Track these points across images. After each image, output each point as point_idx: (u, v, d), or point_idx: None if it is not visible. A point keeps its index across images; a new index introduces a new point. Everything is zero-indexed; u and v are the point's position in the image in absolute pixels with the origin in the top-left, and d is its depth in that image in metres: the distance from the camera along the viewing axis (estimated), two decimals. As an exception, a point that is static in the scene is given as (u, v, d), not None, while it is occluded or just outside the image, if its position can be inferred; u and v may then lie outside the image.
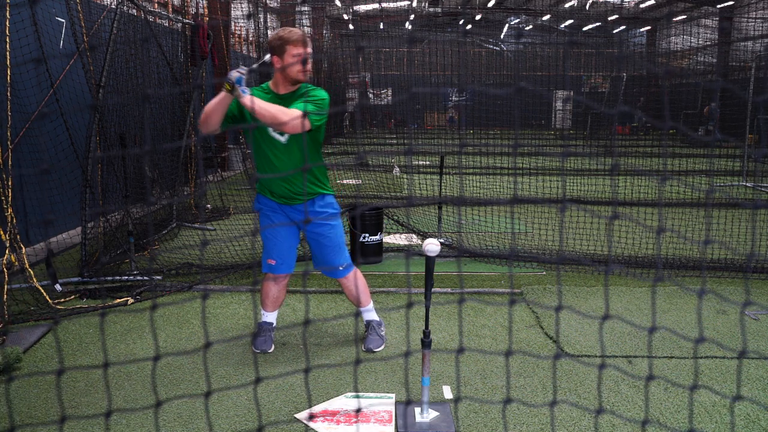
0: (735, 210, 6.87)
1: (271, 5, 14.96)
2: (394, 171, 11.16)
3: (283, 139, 3.22)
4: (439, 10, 18.11)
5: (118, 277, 4.80)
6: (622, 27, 22.25)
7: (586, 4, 21.20)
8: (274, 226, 3.42)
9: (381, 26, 18.62)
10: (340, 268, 3.44)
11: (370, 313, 3.64)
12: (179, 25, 7.72)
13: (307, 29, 12.64)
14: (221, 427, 2.73)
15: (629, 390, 3.07)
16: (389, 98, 19.10)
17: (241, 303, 4.38)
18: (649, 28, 22.32)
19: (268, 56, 3.23)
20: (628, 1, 20.87)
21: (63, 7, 5.50)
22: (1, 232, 4.22)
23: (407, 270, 5.27)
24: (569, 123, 20.00)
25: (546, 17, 20.62)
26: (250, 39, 15.36)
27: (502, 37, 19.26)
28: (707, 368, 3.32)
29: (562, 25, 22.81)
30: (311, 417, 2.83)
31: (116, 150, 5.19)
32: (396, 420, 2.80)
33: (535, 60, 18.12)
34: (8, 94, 4.66)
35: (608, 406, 2.92)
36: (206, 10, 10.90)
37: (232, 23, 12.17)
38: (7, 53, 4.48)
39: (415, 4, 20.52)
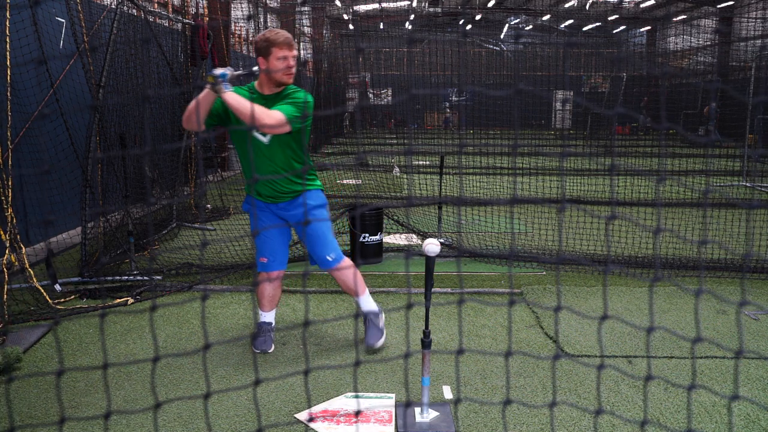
0: (734, 210, 6.87)
1: (271, 5, 14.96)
2: (394, 171, 11.16)
3: (265, 140, 3.25)
4: (439, 10, 18.11)
5: (118, 277, 4.80)
6: (622, 27, 22.25)
7: (586, 4, 21.20)
8: (269, 228, 3.46)
9: (381, 26, 18.62)
10: (328, 259, 3.40)
11: (367, 303, 3.56)
12: (179, 25, 7.72)
13: (307, 29, 12.65)
14: (221, 427, 2.73)
15: (629, 390, 3.07)
16: (389, 98, 19.11)
17: (241, 303, 4.39)
18: (649, 28, 22.32)
19: (256, 68, 3.28)
20: (628, 1, 20.87)
21: (63, 7, 5.50)
22: (1, 232, 4.22)
23: (407, 270, 5.27)
24: (569, 123, 20.01)
25: (546, 17, 20.62)
26: (250, 39, 15.37)
27: (502, 37, 19.26)
28: (707, 368, 3.32)
29: (562, 25, 22.82)
30: (311, 417, 2.83)
31: (116, 150, 5.19)
32: (396, 420, 2.81)
33: (535, 60, 18.13)
34: (8, 94, 4.66)
35: (608, 406, 2.92)
36: (206, 10, 10.91)
37: (232, 23, 12.17)
38: (7, 53, 4.49)
39: (415, 4, 20.52)
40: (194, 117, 3.12)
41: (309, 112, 3.23)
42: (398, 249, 5.81)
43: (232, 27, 12.46)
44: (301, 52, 13.59)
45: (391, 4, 20.55)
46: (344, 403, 2.97)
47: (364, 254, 5.30)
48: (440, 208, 6.08)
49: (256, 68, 3.27)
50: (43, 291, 4.18)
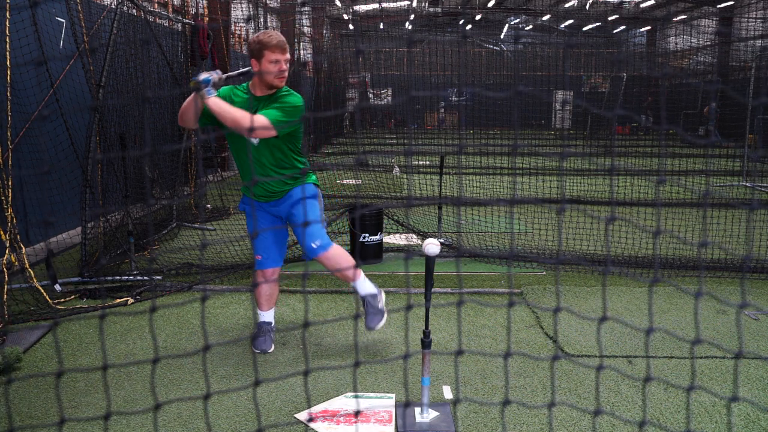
0: (734, 210, 6.87)
1: (271, 5, 14.96)
2: (394, 171, 11.17)
3: (254, 140, 3.27)
4: (439, 10, 18.11)
5: (118, 277, 4.80)
6: (622, 27, 22.25)
7: (586, 4, 21.20)
8: (266, 230, 3.48)
9: (381, 26, 18.62)
10: (313, 246, 3.34)
11: (363, 286, 3.46)
12: (179, 25, 7.72)
13: (307, 29, 12.66)
14: (221, 427, 2.73)
15: (629, 390, 3.07)
16: (389, 98, 19.11)
17: (241, 303, 4.39)
18: (649, 28, 22.32)
19: (248, 68, 3.32)
20: (628, 1, 20.87)
21: (63, 8, 5.50)
22: (1, 232, 4.22)
23: (407, 270, 5.27)
24: (569, 123, 20.02)
25: (546, 17, 20.62)
26: (250, 39, 15.35)
27: (502, 37, 19.26)
28: (707, 368, 3.32)
29: (562, 25, 22.81)
30: (311, 417, 2.83)
31: (116, 150, 5.19)
32: (396, 420, 2.81)
33: (535, 60, 18.14)
34: (8, 95, 4.66)
35: (608, 406, 2.92)
36: (206, 10, 10.90)
37: (232, 23, 12.17)
38: (7, 53, 4.49)
39: (415, 4, 20.52)
40: (185, 116, 3.18)
41: (299, 116, 3.24)
42: (398, 249, 5.82)
43: (232, 27, 12.46)
44: (301, 52, 13.58)
45: (391, 4, 20.55)
46: (344, 403, 2.97)
47: (364, 254, 5.30)
48: (440, 208, 6.08)
49: (247, 69, 3.30)
50: (43, 291, 4.18)
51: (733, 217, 6.42)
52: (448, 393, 3.06)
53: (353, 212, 5.66)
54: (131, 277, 4.80)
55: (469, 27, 18.79)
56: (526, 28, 20.41)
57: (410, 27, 19.85)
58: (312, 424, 2.77)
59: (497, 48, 19.06)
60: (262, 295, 3.58)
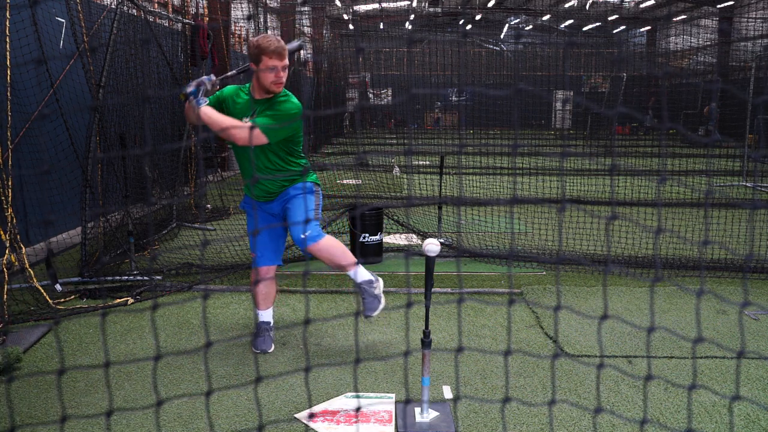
0: (734, 210, 6.87)
1: (271, 5, 14.96)
2: (394, 171, 11.17)
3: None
4: (439, 10, 18.11)
5: (118, 277, 4.80)
6: (622, 27, 22.26)
7: (586, 4, 21.20)
8: (264, 228, 3.51)
9: (381, 26, 18.62)
10: (303, 237, 3.30)
11: (358, 274, 3.43)
12: (179, 25, 7.72)
13: (307, 29, 12.66)
14: (221, 427, 2.73)
15: (629, 390, 3.07)
16: (389, 98, 19.11)
17: (241, 303, 4.39)
18: (649, 28, 22.32)
19: (236, 71, 3.34)
20: (628, 1, 20.87)
21: (63, 7, 5.50)
22: (1, 232, 4.22)
23: (407, 270, 5.27)
24: (569, 123, 20.02)
25: (546, 17, 20.62)
26: (250, 39, 15.36)
27: (502, 37, 19.26)
28: (707, 368, 3.32)
29: (562, 25, 22.81)
30: (311, 417, 2.83)
31: (116, 150, 5.19)
32: (396, 420, 2.81)
33: (535, 60, 18.14)
34: (8, 95, 4.66)
35: (608, 406, 2.92)
36: (206, 10, 10.90)
37: (232, 23, 12.17)
38: (7, 53, 4.49)
39: (415, 4, 20.51)
40: (189, 119, 3.24)
41: (294, 122, 3.23)
42: (398, 249, 5.82)
43: (232, 27, 12.46)
44: (302, 52, 13.57)
45: (391, 4, 20.55)
46: (344, 403, 2.97)
47: (364, 254, 5.30)
48: (440, 208, 6.08)
49: (246, 66, 3.31)
50: (43, 291, 4.18)
51: (733, 217, 6.42)
52: (448, 393, 3.06)
53: (353, 212, 5.66)
54: (131, 277, 4.79)
55: (469, 27, 18.79)
56: (526, 28, 20.41)
57: (410, 27, 19.84)
58: (312, 424, 2.77)
59: (497, 48, 19.05)
60: (258, 294, 3.59)
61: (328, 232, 5.99)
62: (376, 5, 18.95)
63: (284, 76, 3.21)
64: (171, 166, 6.93)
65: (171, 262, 5.21)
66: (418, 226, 6.35)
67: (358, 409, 2.90)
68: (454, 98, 19.31)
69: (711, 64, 15.31)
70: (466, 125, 16.11)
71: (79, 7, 5.28)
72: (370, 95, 18.12)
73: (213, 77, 3.16)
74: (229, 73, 3.36)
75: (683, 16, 18.02)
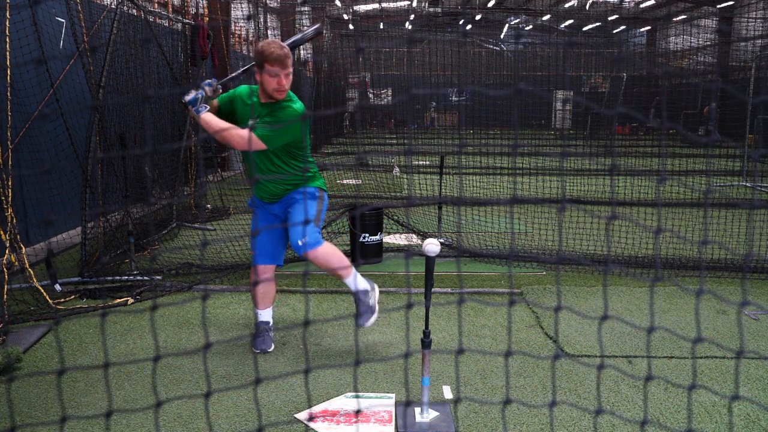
0: (734, 210, 6.87)
1: (271, 5, 14.96)
2: (394, 171, 11.17)
3: None
4: (439, 10, 18.11)
5: (118, 277, 4.80)
6: (622, 27, 22.26)
7: (586, 4, 21.20)
8: (265, 228, 3.53)
9: (381, 26, 18.62)
10: (300, 243, 3.31)
11: (354, 282, 3.42)
12: (179, 25, 7.72)
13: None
14: (221, 427, 2.73)
15: (629, 390, 3.07)
16: (389, 98, 19.11)
17: (241, 303, 4.39)
18: (649, 28, 22.33)
19: (239, 72, 3.36)
20: (628, 1, 20.87)
21: (63, 7, 5.50)
22: (1, 232, 4.22)
23: (407, 270, 5.27)
24: (569, 123, 20.01)
25: (546, 17, 20.62)
26: (250, 39, 15.37)
27: (502, 37, 19.26)
28: (707, 368, 3.32)
29: (562, 25, 22.82)
30: (311, 417, 2.83)
31: (116, 150, 5.19)
32: (396, 420, 2.81)
33: (535, 60, 18.14)
34: (8, 94, 4.66)
35: (608, 406, 2.92)
36: (206, 10, 10.90)
37: (232, 23, 12.17)
38: (7, 53, 4.49)
39: (415, 4, 20.51)
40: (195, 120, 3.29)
41: (294, 128, 3.23)
42: (398, 249, 5.81)
43: (232, 27, 12.46)
44: (302, 52, 13.58)
45: (391, 4, 20.55)
46: (344, 403, 2.97)
47: (364, 254, 5.30)
48: (440, 208, 6.08)
49: (238, 72, 3.35)
50: (43, 291, 4.18)
51: (733, 217, 6.42)
52: (448, 393, 3.06)
53: (353, 212, 5.66)
54: (131, 277, 4.79)
55: (469, 27, 18.79)
56: (526, 28, 20.41)
57: (410, 27, 19.84)
58: (312, 424, 2.77)
59: (497, 48, 19.05)
60: (257, 293, 3.59)
61: (328, 232, 6.02)
62: (376, 5, 18.95)
63: (287, 83, 3.21)
64: (171, 166, 6.93)
65: (171, 262, 5.21)
66: (418, 226, 6.35)
67: (358, 412, 2.90)
68: (454, 98, 19.31)
69: (711, 64, 15.31)
70: (466, 125, 16.11)
71: (79, 7, 5.28)
72: (370, 95, 18.12)
73: (213, 82, 3.18)
74: (232, 75, 3.38)
75: (683, 16, 18.02)
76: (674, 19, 18.32)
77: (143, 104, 6.05)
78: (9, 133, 4.55)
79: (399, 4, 20.59)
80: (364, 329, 3.85)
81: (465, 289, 4.72)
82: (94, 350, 3.57)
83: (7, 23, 4.46)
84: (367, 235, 5.30)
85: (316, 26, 3.52)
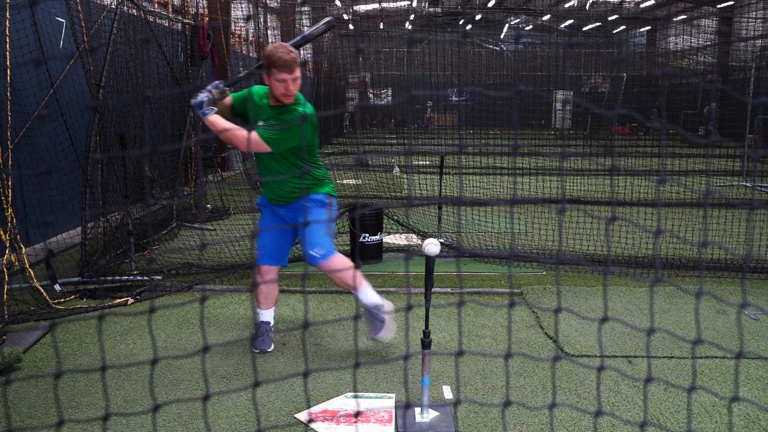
0: (734, 210, 6.87)
1: (271, 5, 14.96)
2: (394, 171, 11.16)
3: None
4: (439, 10, 18.10)
5: (118, 277, 4.80)
6: (622, 27, 22.25)
7: (586, 4, 21.20)
8: (267, 229, 3.54)
9: (381, 26, 18.61)
10: (313, 254, 3.32)
11: (366, 296, 3.43)
12: (179, 25, 7.72)
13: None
14: (221, 428, 2.73)
15: (629, 390, 3.07)
16: (389, 98, 19.10)
17: (241, 303, 4.38)
18: (649, 28, 22.32)
19: (238, 79, 3.39)
20: (628, 1, 20.87)
21: (63, 7, 5.50)
22: (1, 232, 4.22)
23: (407, 270, 5.27)
24: (569, 123, 20.01)
25: (546, 17, 20.62)
26: (250, 39, 15.37)
27: (502, 37, 19.26)
28: (707, 368, 3.32)
29: (562, 25, 22.81)
30: (311, 417, 2.83)
31: (116, 150, 5.19)
32: (396, 420, 2.81)
33: (535, 60, 18.14)
34: (8, 95, 4.66)
35: (608, 406, 2.92)
36: (206, 10, 10.90)
37: (232, 23, 12.16)
38: (7, 53, 4.49)
39: (415, 4, 20.51)
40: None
41: (299, 131, 3.23)
42: (398, 249, 5.81)
43: (232, 27, 12.46)
44: (302, 51, 13.56)
45: (391, 4, 20.54)
46: (344, 403, 2.97)
47: (364, 254, 5.30)
48: (440, 208, 6.07)
49: (246, 73, 3.36)
50: (43, 291, 4.18)
51: (733, 217, 6.42)
52: (448, 393, 3.06)
53: (353, 212, 5.66)
54: (131, 277, 4.79)
55: (469, 27, 18.79)
56: (526, 28, 20.40)
57: (410, 27, 19.84)
58: (312, 425, 2.77)
59: (497, 48, 19.05)
60: (260, 293, 3.60)
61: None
62: (376, 5, 18.94)
63: (295, 88, 3.19)
64: (171, 166, 6.93)
65: (171, 262, 5.21)
66: (418, 226, 6.35)
67: (358, 414, 2.90)
68: (454, 98, 19.31)
69: (711, 64, 15.30)
70: (466, 125, 16.10)
71: (79, 7, 5.28)
72: (370, 95, 18.12)
73: (221, 84, 3.18)
74: (240, 75, 3.38)
75: (683, 16, 18.01)
76: (674, 19, 18.31)
77: (143, 104, 6.05)
78: (9, 133, 4.55)
79: (399, 4, 20.58)
80: (364, 329, 3.85)
81: (465, 289, 4.72)
82: (94, 350, 3.57)
83: (7, 23, 4.46)
84: (367, 235, 5.30)
85: (328, 19, 3.47)
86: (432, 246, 2.70)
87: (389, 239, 6.11)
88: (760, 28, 13.88)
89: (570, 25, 23.13)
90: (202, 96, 3.13)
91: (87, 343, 3.67)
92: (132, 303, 4.28)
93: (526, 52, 18.13)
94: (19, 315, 3.96)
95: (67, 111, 5.52)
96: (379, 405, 2.93)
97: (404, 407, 2.86)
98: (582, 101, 19.61)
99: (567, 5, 21.46)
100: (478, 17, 20.20)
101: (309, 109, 3.36)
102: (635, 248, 5.59)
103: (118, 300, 4.29)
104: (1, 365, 3.17)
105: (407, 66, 17.61)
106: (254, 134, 3.15)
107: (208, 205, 7.78)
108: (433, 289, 2.95)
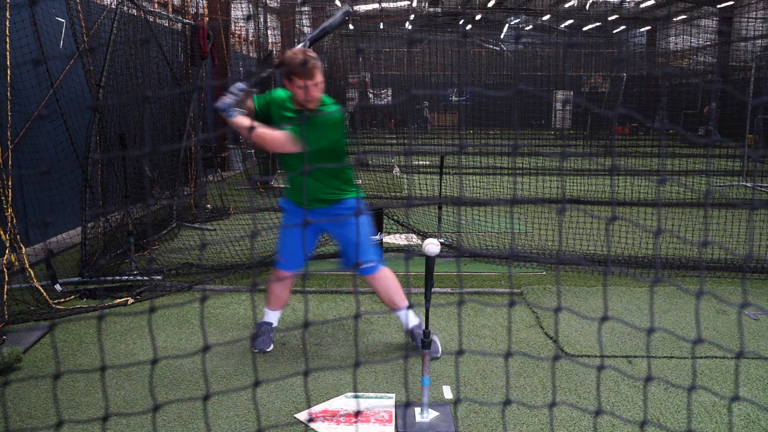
0: (734, 210, 6.87)
1: (271, 5, 14.95)
2: (394, 171, 11.16)
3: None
4: (439, 10, 18.11)
5: (118, 277, 4.80)
6: (622, 27, 22.25)
7: (586, 4, 21.20)
8: (287, 226, 3.51)
9: (381, 26, 18.61)
10: (366, 265, 3.33)
11: (406, 317, 3.47)
12: (179, 25, 7.72)
13: (307, 29, 12.66)
14: (221, 428, 2.73)
15: (629, 390, 3.07)
16: (389, 98, 19.10)
17: (241, 303, 4.38)
18: (649, 28, 22.32)
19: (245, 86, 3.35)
20: (628, 1, 20.87)
21: (63, 7, 5.50)
22: (1, 232, 4.22)
23: (407, 270, 5.27)
24: (569, 123, 20.01)
25: (546, 17, 20.62)
26: (250, 39, 15.37)
27: (502, 37, 19.26)
28: (707, 368, 3.32)
29: (562, 25, 22.81)
30: (311, 417, 2.83)
31: (116, 150, 5.19)
32: (396, 420, 2.81)
33: (535, 60, 18.14)
34: (8, 94, 4.66)
35: (608, 406, 2.92)
36: (206, 10, 10.90)
37: (232, 23, 12.17)
38: (7, 53, 4.49)
39: (415, 4, 20.51)
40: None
41: (322, 134, 3.16)
42: (398, 249, 5.81)
43: (232, 27, 12.46)
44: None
45: (391, 4, 20.54)
46: (344, 403, 2.97)
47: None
48: (440, 208, 6.07)
49: (265, 73, 3.29)
50: (43, 291, 4.18)
51: (733, 217, 6.42)
52: (448, 393, 3.06)
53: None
54: (131, 277, 4.79)
55: (469, 27, 18.79)
56: (526, 28, 20.40)
57: (410, 27, 19.84)
58: (312, 424, 2.77)
59: (497, 48, 19.06)
60: (272, 293, 3.59)
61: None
62: (376, 5, 18.94)
63: (317, 93, 3.11)
64: (171, 166, 6.93)
65: (171, 262, 5.21)
66: (418, 226, 6.35)
67: (357, 414, 2.90)
68: (454, 98, 19.30)
69: (711, 64, 15.30)
70: (466, 125, 16.10)
71: (79, 7, 5.29)
72: (370, 95, 18.12)
73: (245, 85, 3.11)
74: (261, 75, 3.32)
75: (683, 16, 18.01)
76: (674, 19, 18.31)
77: (143, 104, 6.05)
78: (9, 133, 4.55)
79: (399, 4, 20.58)
80: (364, 329, 3.85)
81: (465, 289, 4.72)
82: (94, 350, 3.57)
83: (7, 23, 4.46)
84: (367, 235, 5.30)
85: (344, 10, 3.40)
86: (432, 246, 2.71)
87: (389, 239, 6.11)
88: (760, 28, 13.88)
89: (570, 25, 23.13)
90: (228, 99, 3.05)
91: (87, 343, 3.67)
92: (132, 303, 4.28)
93: (526, 52, 18.13)
94: (19, 315, 3.96)
95: (67, 111, 5.52)
96: (379, 405, 2.93)
97: (404, 407, 2.87)
98: (582, 101, 19.61)
99: (567, 5, 21.46)
100: (478, 17, 20.20)
101: (336, 107, 3.29)
102: (635, 248, 5.59)
103: (118, 300, 4.29)
104: (1, 365, 3.17)
105: (407, 66, 17.61)
106: (286, 133, 3.06)
107: (208, 205, 7.79)
108: (433, 289, 2.95)
